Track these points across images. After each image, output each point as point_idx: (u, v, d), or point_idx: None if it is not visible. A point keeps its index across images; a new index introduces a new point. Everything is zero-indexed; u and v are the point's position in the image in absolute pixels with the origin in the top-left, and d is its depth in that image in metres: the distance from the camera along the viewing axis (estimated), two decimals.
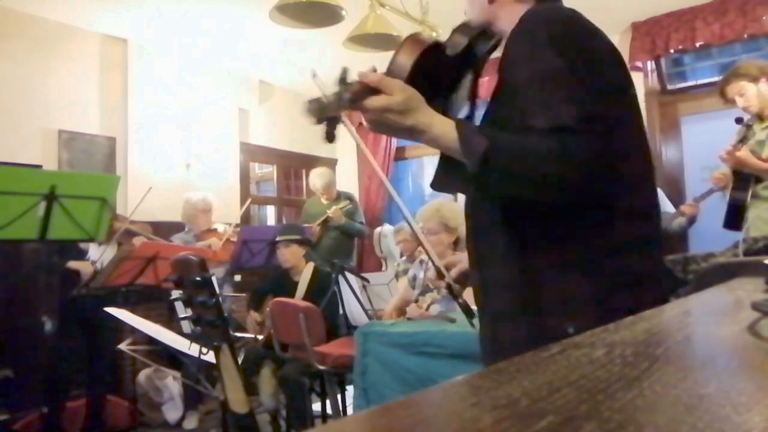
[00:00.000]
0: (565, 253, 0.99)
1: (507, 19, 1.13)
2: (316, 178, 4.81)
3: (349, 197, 4.89)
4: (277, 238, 3.64)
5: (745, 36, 3.96)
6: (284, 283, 3.62)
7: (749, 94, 2.65)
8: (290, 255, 3.58)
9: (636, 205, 1.02)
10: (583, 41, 1.00)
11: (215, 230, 4.06)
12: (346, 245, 4.87)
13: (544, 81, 0.94)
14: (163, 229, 4.08)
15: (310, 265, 3.63)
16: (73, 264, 3.40)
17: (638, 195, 1.03)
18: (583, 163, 0.90)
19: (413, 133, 0.98)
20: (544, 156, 0.91)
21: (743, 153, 2.59)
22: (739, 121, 2.73)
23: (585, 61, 0.97)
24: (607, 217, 0.99)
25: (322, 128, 1.00)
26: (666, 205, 3.62)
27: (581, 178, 0.91)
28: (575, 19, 1.02)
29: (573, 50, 0.97)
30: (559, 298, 0.98)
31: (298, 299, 3.38)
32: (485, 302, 1.12)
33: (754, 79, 2.64)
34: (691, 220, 3.49)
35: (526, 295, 1.01)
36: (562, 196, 0.95)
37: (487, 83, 5.26)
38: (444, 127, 0.96)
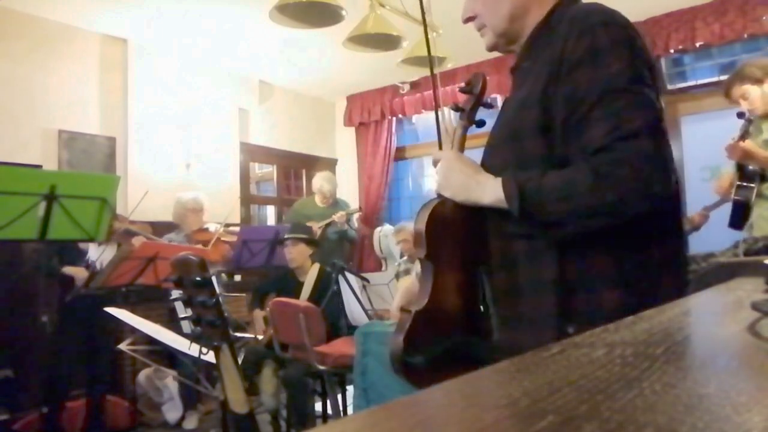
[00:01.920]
0: (601, 263, 0.97)
1: (537, 12, 1.12)
2: (324, 182, 4.84)
3: (346, 205, 4.94)
4: (285, 236, 3.63)
5: (745, 36, 3.96)
6: (289, 283, 3.62)
7: (753, 97, 2.64)
8: (297, 254, 3.57)
9: (670, 220, 1.02)
10: (641, 46, 1.01)
11: (207, 230, 4.04)
12: (343, 248, 4.91)
13: (610, 87, 0.94)
14: (163, 230, 4.08)
15: (316, 266, 3.62)
16: (68, 269, 3.39)
17: (673, 209, 1.03)
18: (658, 165, 0.91)
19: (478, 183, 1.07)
20: (578, 190, 0.92)
21: (749, 144, 2.57)
22: (741, 115, 2.72)
23: (645, 67, 0.98)
24: (646, 232, 0.97)
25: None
26: None
27: (661, 181, 0.91)
28: (629, 22, 1.02)
29: (635, 56, 0.97)
30: (590, 308, 0.97)
31: (303, 299, 3.38)
32: (511, 305, 1.07)
33: (758, 82, 2.62)
34: (695, 229, 3.47)
35: (558, 301, 0.98)
36: (630, 211, 0.92)
37: (498, 81, 5.18)
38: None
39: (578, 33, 0.99)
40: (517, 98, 1.11)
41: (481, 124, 1.24)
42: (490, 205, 1.03)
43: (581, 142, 0.95)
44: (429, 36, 3.41)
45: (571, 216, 0.94)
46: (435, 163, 1.15)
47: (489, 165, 1.11)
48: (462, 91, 1.24)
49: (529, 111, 1.03)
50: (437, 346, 1.09)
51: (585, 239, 0.96)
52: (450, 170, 1.10)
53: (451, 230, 1.13)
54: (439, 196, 1.13)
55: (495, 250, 1.10)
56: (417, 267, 3.08)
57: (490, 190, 1.03)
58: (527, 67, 1.12)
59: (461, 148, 1.20)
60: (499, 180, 1.01)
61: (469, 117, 1.22)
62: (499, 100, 4.91)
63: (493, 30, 1.17)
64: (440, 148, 1.74)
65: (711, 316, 0.65)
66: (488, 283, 1.14)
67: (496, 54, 1.21)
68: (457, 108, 1.24)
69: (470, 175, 1.08)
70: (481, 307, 1.15)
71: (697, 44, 4.12)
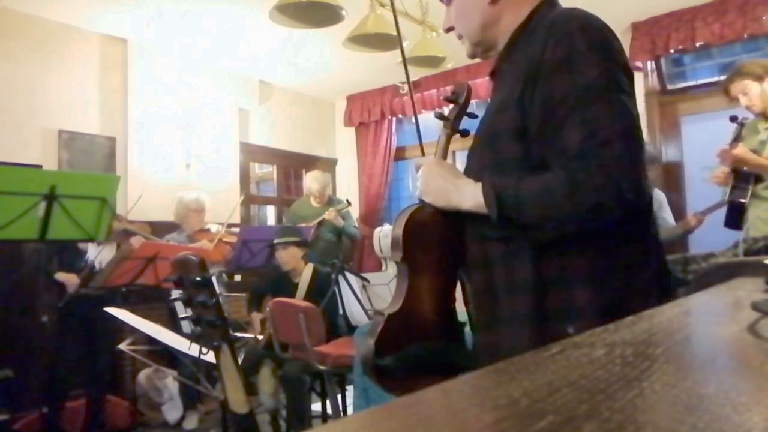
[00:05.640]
0: (575, 263, 0.98)
1: (510, 18, 1.12)
2: (312, 181, 4.81)
3: (340, 202, 4.90)
4: (275, 241, 3.63)
5: (745, 36, 3.96)
6: (284, 285, 3.62)
7: (753, 93, 2.64)
8: (289, 257, 3.58)
9: (642, 221, 1.03)
10: (619, 50, 1.01)
11: (208, 230, 4.04)
12: (339, 247, 4.89)
13: (587, 93, 0.94)
14: (163, 229, 4.08)
15: (309, 266, 3.63)
16: (59, 276, 3.37)
17: (644, 210, 1.03)
18: (631, 173, 0.92)
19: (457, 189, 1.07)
20: (554, 197, 0.93)
21: (740, 150, 2.58)
22: (733, 119, 2.73)
23: (622, 72, 0.99)
24: (618, 232, 0.98)
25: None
26: (666, 211, 3.62)
27: (634, 190, 0.92)
28: (607, 27, 1.02)
29: (612, 61, 0.98)
30: (565, 307, 0.98)
31: (298, 300, 3.38)
32: (488, 305, 1.08)
33: (758, 78, 2.63)
34: (689, 231, 3.48)
35: (534, 301, 0.99)
36: (606, 217, 0.93)
37: (482, 84, 5.20)
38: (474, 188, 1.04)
39: (557, 38, 0.99)
40: (496, 101, 1.12)
41: (465, 133, 1.25)
42: (470, 210, 1.04)
43: (558, 148, 0.96)
44: (428, 35, 3.40)
45: (548, 222, 0.96)
46: (417, 169, 1.17)
47: (469, 168, 1.13)
48: (447, 100, 1.26)
49: (506, 114, 1.04)
50: (410, 349, 1.09)
51: (560, 240, 0.98)
52: (430, 176, 1.11)
53: (430, 235, 1.14)
54: (421, 201, 1.14)
55: (472, 252, 1.11)
56: None
57: (469, 195, 1.04)
58: (506, 70, 1.12)
59: (444, 155, 1.21)
60: (478, 185, 1.02)
61: (452, 126, 1.23)
62: None
63: (469, 40, 1.20)
64: (422, 153, 1.77)
65: (711, 316, 0.65)
66: (467, 287, 1.14)
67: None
68: (441, 117, 1.25)
69: (450, 180, 1.09)
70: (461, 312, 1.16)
71: (697, 44, 4.12)
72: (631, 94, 0.99)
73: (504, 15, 1.13)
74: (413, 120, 6.05)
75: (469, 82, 4.93)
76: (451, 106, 1.25)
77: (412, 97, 1.84)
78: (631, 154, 0.93)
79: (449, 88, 1.32)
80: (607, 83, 0.95)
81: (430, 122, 6.10)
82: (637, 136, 0.96)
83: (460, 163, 1.20)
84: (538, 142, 0.99)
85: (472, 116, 1.26)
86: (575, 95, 0.95)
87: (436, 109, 1.26)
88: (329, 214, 4.59)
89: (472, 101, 1.26)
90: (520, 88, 1.02)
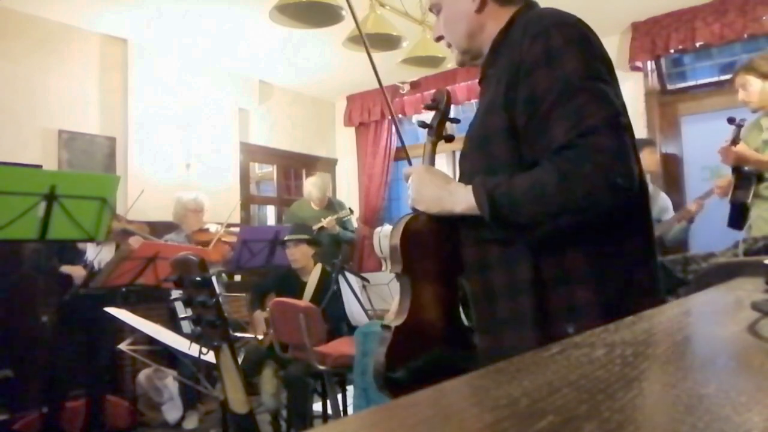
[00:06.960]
0: (574, 261, 0.98)
1: (494, 25, 1.14)
2: (312, 187, 4.81)
3: (341, 206, 4.90)
4: (286, 237, 3.63)
5: (745, 36, 3.96)
6: (291, 283, 3.61)
7: (752, 89, 2.64)
8: (300, 255, 3.58)
9: (639, 215, 1.03)
10: (596, 43, 1.02)
11: (207, 230, 4.03)
12: (337, 250, 4.89)
13: (567, 86, 0.95)
14: (162, 229, 4.08)
15: (319, 266, 3.63)
16: (65, 268, 3.37)
17: (641, 204, 1.04)
18: (619, 159, 0.92)
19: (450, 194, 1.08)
20: (547, 191, 0.92)
21: (742, 147, 2.58)
22: (731, 121, 2.73)
23: (602, 63, 1.00)
24: (616, 228, 0.98)
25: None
26: (668, 212, 3.62)
27: (623, 174, 0.92)
28: (581, 21, 1.04)
29: (590, 53, 0.99)
30: (567, 306, 0.98)
31: (306, 299, 3.38)
32: (487, 308, 1.08)
33: (763, 76, 2.62)
34: (691, 220, 3.49)
35: (536, 301, 0.99)
36: (598, 205, 0.93)
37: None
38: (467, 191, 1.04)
39: (532, 36, 1.01)
40: (482, 106, 1.14)
41: (449, 138, 1.26)
42: (463, 213, 1.05)
43: (544, 142, 0.96)
44: (428, 35, 3.40)
45: (542, 217, 0.95)
46: (406, 178, 1.17)
47: (461, 173, 1.14)
48: (427, 107, 1.27)
49: (493, 117, 1.05)
50: (420, 360, 1.09)
51: (557, 238, 0.97)
52: (421, 184, 1.12)
53: (427, 244, 1.14)
54: (414, 210, 1.14)
55: (470, 257, 1.11)
56: None
57: (461, 199, 1.04)
58: (491, 75, 1.14)
59: (432, 162, 1.23)
60: (469, 188, 1.03)
61: (436, 132, 1.24)
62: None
63: (457, 48, 1.21)
64: (408, 161, 1.78)
65: (711, 316, 0.65)
66: (467, 292, 1.14)
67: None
68: (424, 125, 1.26)
69: (441, 186, 1.10)
70: (463, 317, 1.16)
71: (697, 44, 4.12)
72: (613, 84, 1.00)
73: (489, 22, 1.15)
74: (412, 120, 6.05)
75: (468, 83, 4.97)
76: (433, 113, 1.25)
77: (390, 102, 1.82)
78: (617, 141, 0.93)
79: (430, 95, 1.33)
80: (586, 74, 0.96)
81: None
82: (622, 123, 0.96)
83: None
84: (526, 139, 1.00)
85: (455, 121, 1.28)
86: (557, 89, 0.95)
87: (419, 119, 1.28)
88: (329, 223, 4.57)
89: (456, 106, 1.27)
90: (503, 89, 1.03)
